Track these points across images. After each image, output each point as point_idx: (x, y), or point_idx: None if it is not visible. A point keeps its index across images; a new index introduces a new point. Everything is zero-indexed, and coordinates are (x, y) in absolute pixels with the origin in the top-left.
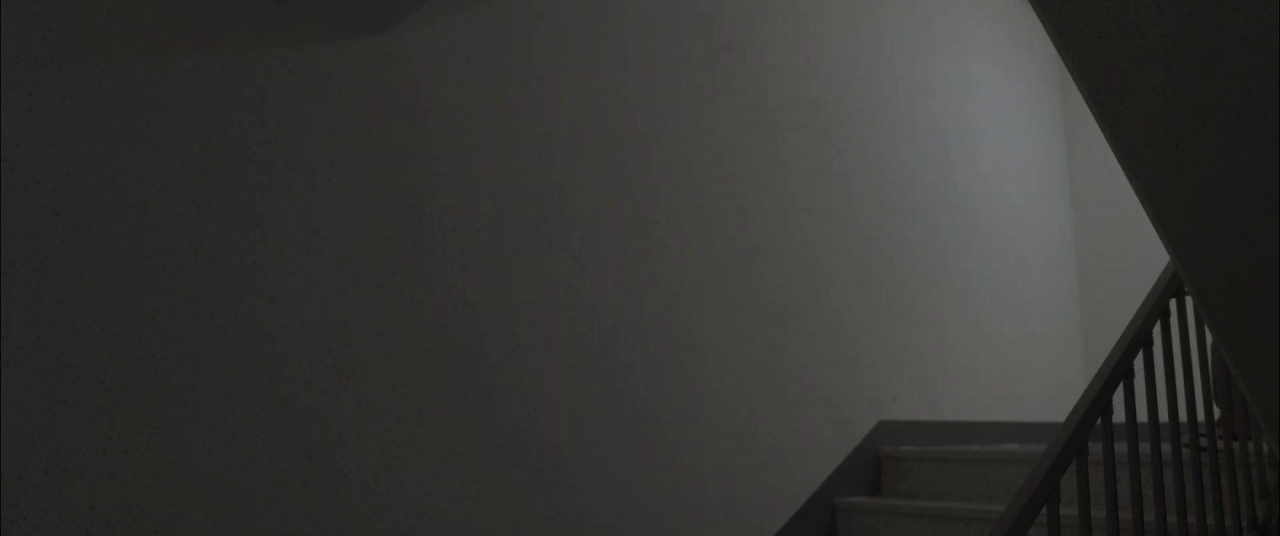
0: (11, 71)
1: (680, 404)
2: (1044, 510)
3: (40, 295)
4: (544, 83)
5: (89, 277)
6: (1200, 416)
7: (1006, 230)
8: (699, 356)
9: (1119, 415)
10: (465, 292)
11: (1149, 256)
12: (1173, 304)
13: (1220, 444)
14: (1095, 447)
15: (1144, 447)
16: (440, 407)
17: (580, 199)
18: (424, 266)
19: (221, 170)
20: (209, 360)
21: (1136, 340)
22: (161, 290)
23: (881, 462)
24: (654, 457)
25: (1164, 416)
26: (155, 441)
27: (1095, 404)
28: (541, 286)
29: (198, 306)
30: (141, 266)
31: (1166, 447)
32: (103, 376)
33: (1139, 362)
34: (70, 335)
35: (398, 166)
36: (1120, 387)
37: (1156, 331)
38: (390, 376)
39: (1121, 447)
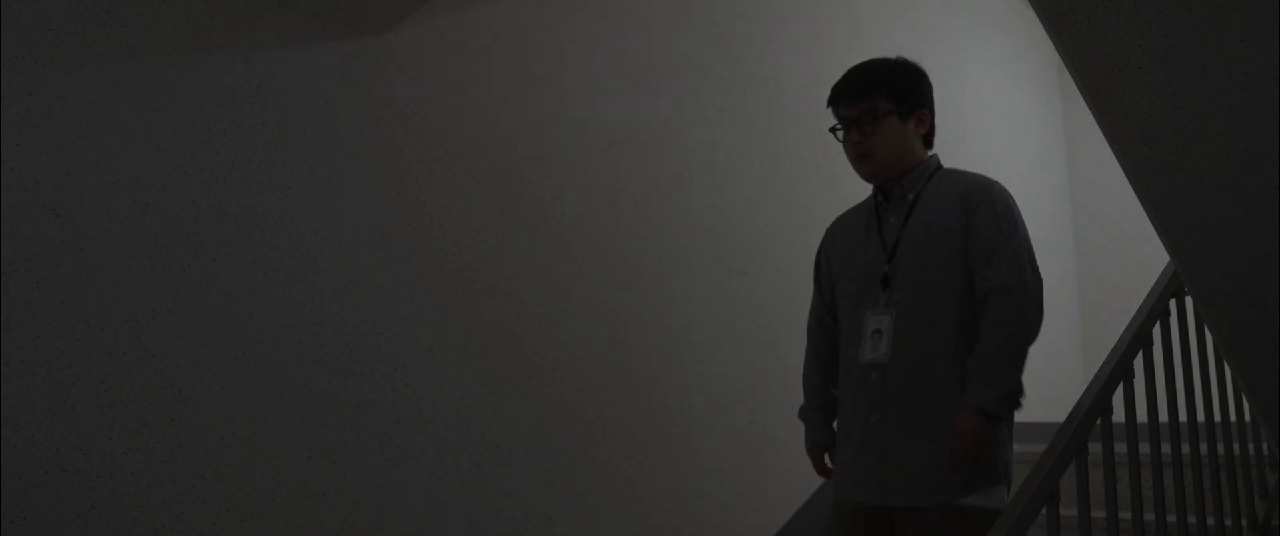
0: (11, 71)
1: (681, 403)
2: (1044, 510)
3: (40, 295)
4: (545, 82)
5: (89, 278)
6: (1200, 416)
7: None
8: (700, 356)
9: (1119, 415)
10: (465, 293)
11: (1149, 256)
12: (1173, 304)
13: None
14: (1095, 447)
15: (1144, 448)
16: (440, 407)
17: (580, 199)
18: (424, 266)
19: (221, 170)
20: (209, 360)
21: (1137, 340)
22: (161, 290)
23: None
24: (654, 457)
25: (1164, 416)
26: (155, 441)
27: (1095, 404)
28: (541, 287)
29: (198, 306)
30: (141, 266)
31: (1166, 448)
32: (103, 376)
33: (1139, 362)
34: (70, 335)
35: (398, 166)
36: (1120, 387)
37: (1156, 331)
38: (390, 376)
39: (1121, 448)
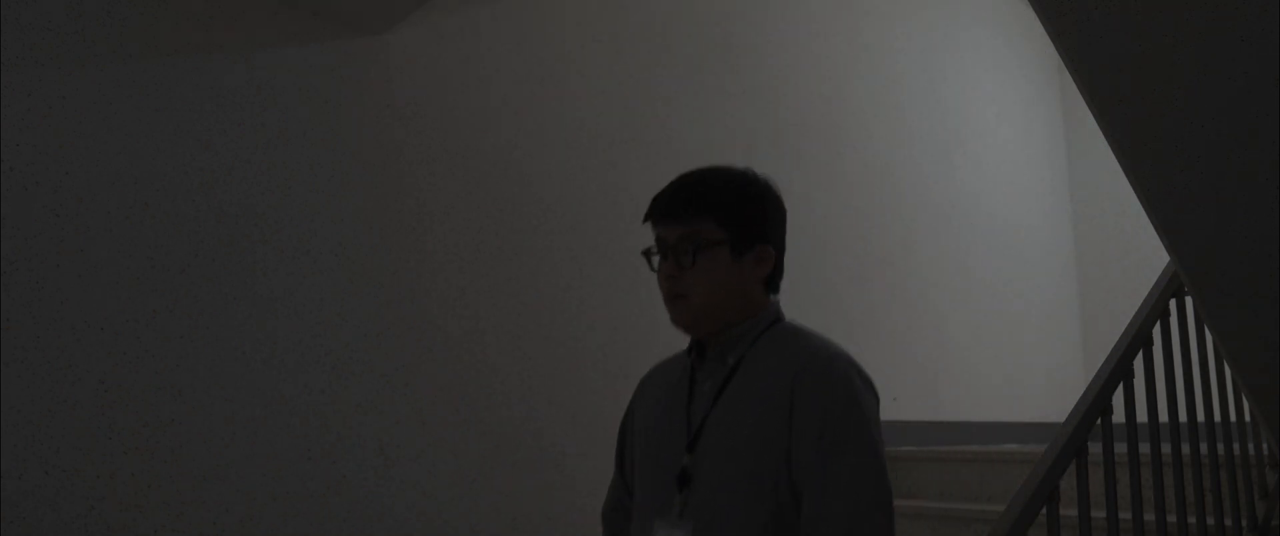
0: (11, 71)
1: None
2: (1043, 510)
3: (40, 295)
4: (545, 83)
5: (89, 278)
6: (1200, 416)
7: (1007, 230)
8: None
9: (1119, 415)
10: (465, 292)
11: (1149, 256)
12: (1173, 304)
13: None
14: (1095, 448)
15: (1144, 448)
16: (440, 407)
17: (580, 199)
18: (424, 266)
19: (221, 170)
20: (209, 360)
21: (1136, 340)
22: (161, 290)
23: None
24: None
25: (1164, 416)
26: (155, 441)
27: (1095, 404)
28: (541, 286)
29: (198, 306)
30: (141, 266)
31: (1166, 448)
32: (103, 376)
33: (1139, 362)
34: (70, 335)
35: (397, 167)
36: (1120, 387)
37: (1156, 331)
38: (390, 376)
39: (1121, 448)
